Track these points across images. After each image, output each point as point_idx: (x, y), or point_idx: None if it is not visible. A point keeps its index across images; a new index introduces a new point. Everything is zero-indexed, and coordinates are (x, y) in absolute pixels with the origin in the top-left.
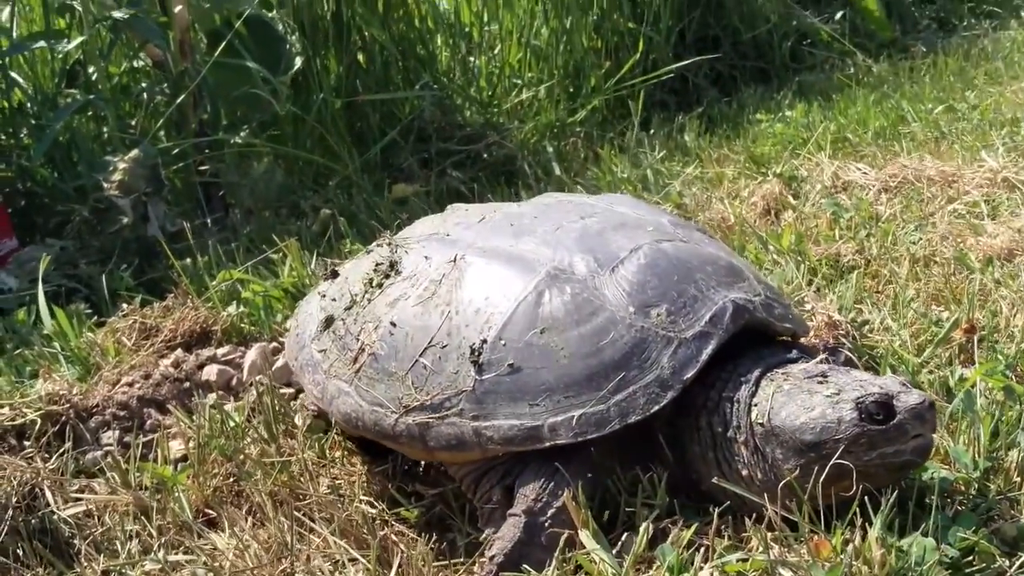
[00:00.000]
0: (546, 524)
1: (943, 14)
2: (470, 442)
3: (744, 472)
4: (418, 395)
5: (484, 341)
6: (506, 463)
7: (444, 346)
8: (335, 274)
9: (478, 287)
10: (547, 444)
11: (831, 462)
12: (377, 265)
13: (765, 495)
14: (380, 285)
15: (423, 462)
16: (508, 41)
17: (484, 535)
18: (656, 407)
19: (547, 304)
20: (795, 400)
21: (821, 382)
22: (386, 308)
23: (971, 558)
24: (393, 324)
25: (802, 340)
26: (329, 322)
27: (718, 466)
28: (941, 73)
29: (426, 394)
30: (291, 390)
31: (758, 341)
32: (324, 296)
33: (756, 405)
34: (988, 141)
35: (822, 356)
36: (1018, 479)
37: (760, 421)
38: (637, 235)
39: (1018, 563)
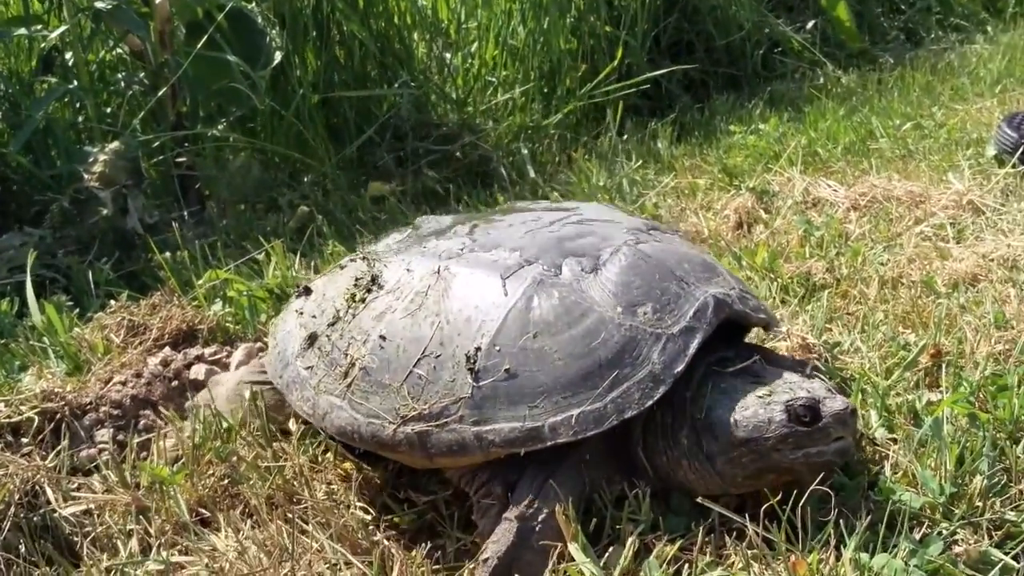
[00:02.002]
0: (537, 529)
1: (911, 25)
2: (472, 446)
3: (684, 461)
4: (416, 404)
5: (478, 349)
6: (504, 466)
7: (438, 356)
8: (308, 291)
9: (466, 296)
10: (549, 443)
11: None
12: (357, 280)
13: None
14: (363, 300)
15: (415, 469)
16: (485, 39)
17: (479, 529)
18: (650, 401)
19: (537, 309)
20: (731, 398)
21: (755, 382)
22: (373, 322)
23: None
24: (383, 337)
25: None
26: (313, 339)
27: (664, 453)
28: (909, 87)
29: (424, 403)
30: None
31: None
32: (302, 313)
33: (696, 400)
34: (954, 161)
35: (756, 357)
36: (980, 504)
37: (698, 416)
38: (614, 237)
39: None
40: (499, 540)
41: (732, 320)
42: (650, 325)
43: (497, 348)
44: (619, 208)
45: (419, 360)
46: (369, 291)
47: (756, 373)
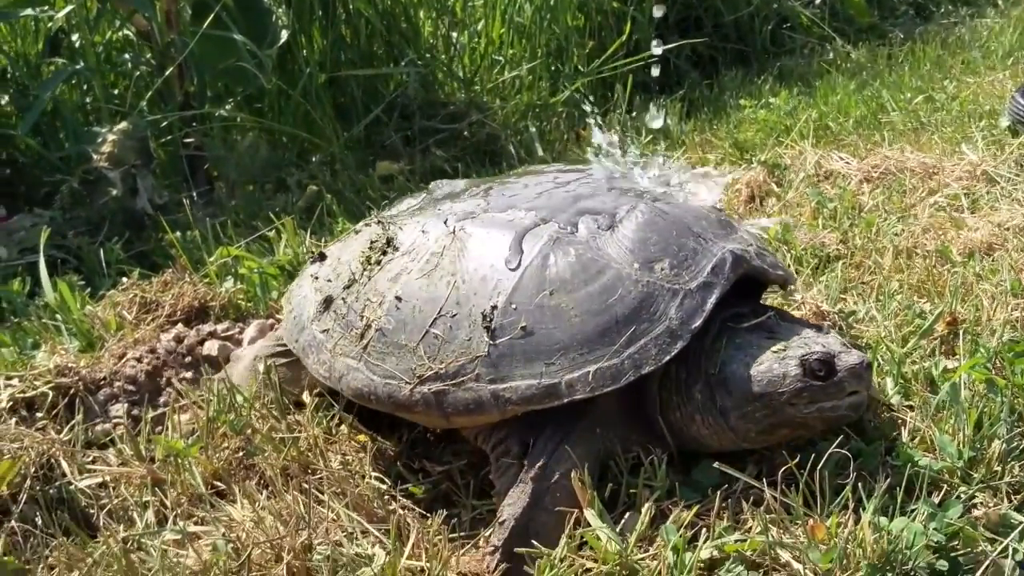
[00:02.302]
0: (551, 491)
1: (921, 0)
2: (488, 405)
3: (697, 416)
4: (432, 364)
5: (495, 307)
6: (521, 426)
7: (454, 315)
8: (323, 256)
9: (482, 256)
10: (566, 400)
11: (775, 412)
12: (372, 243)
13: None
14: (378, 262)
15: (430, 437)
16: (491, 17)
17: (496, 488)
18: (668, 356)
19: (553, 266)
20: (746, 353)
21: (769, 338)
22: (388, 283)
23: (956, 543)
24: (398, 298)
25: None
26: (328, 302)
27: (677, 409)
28: (919, 61)
29: (440, 363)
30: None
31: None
32: (317, 278)
33: (710, 356)
34: (967, 133)
35: (771, 313)
36: (999, 468)
37: (712, 371)
38: (629, 196)
39: (999, 548)
40: (515, 503)
41: (750, 277)
42: (667, 281)
43: (513, 306)
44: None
45: (435, 320)
46: (384, 253)
47: (771, 329)
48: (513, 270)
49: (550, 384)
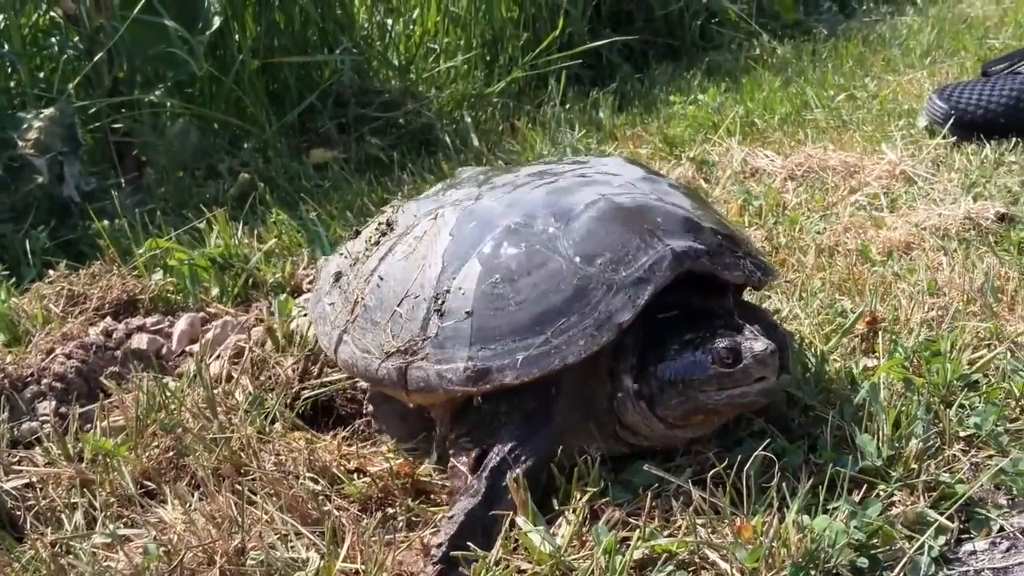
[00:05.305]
0: (503, 492)
1: None
2: (434, 384)
3: (629, 404)
4: (395, 342)
5: (447, 291)
6: (480, 430)
7: (417, 296)
8: (357, 233)
9: (448, 242)
10: (496, 384)
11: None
12: (379, 224)
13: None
14: (377, 243)
15: (364, 438)
16: (427, 5)
17: (450, 486)
18: (594, 348)
19: (503, 255)
20: (662, 343)
21: (687, 327)
22: (377, 263)
23: (875, 540)
24: (381, 278)
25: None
26: (338, 277)
27: (614, 398)
28: (842, 58)
29: (401, 340)
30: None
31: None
32: (343, 255)
33: (636, 346)
34: (887, 132)
35: (674, 312)
36: (916, 467)
37: (633, 361)
38: (600, 190)
39: (916, 545)
40: (465, 500)
41: (704, 275)
42: (604, 275)
43: (462, 291)
44: (638, 164)
45: (403, 299)
46: (384, 234)
47: (688, 320)
48: (469, 257)
49: (483, 368)
